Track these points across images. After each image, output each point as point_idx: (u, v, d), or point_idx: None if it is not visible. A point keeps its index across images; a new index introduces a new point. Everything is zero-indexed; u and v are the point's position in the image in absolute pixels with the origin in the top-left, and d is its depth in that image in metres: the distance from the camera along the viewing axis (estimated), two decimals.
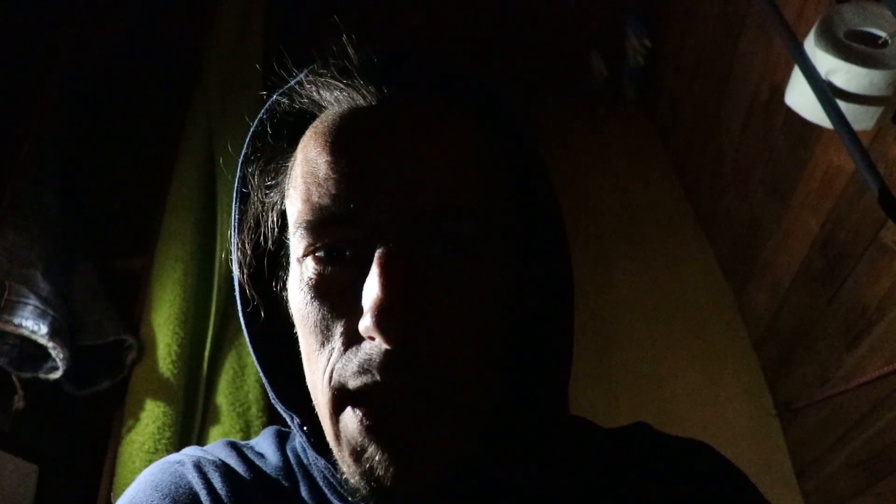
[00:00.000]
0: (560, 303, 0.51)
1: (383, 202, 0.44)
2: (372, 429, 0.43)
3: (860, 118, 1.02)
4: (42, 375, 1.19)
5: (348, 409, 0.44)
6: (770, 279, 1.67)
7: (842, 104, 0.99)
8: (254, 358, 0.53)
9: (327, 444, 0.49)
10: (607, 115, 2.36)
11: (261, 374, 0.53)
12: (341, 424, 0.45)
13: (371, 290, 0.42)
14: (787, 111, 1.17)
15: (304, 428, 0.51)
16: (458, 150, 0.46)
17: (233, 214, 0.53)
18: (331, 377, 0.45)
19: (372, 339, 0.42)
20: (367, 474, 0.44)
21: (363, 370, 0.43)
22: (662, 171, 2.23)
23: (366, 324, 0.41)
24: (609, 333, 1.87)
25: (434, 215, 0.44)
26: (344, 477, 0.46)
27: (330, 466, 0.50)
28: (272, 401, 0.53)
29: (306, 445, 0.52)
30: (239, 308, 0.53)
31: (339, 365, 0.44)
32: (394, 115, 0.46)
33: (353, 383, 0.44)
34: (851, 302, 1.31)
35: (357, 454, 0.44)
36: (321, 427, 0.49)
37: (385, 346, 0.42)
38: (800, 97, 1.11)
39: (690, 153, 2.09)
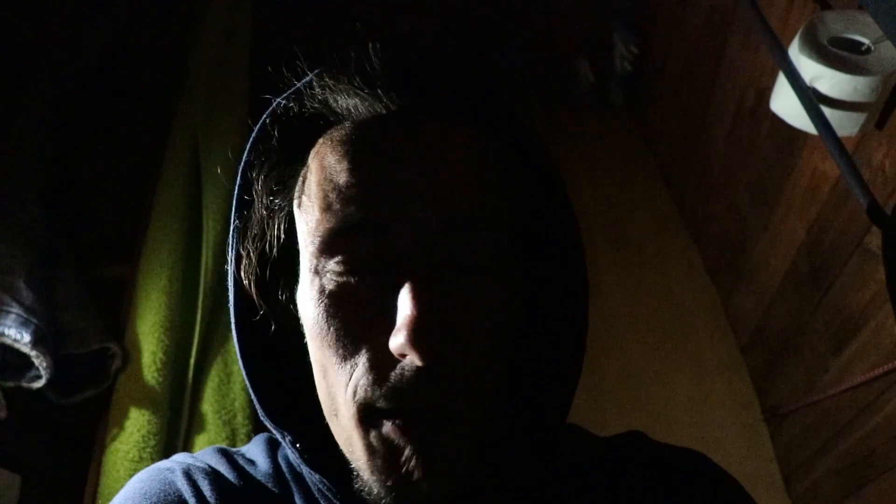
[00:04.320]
0: (574, 314, 0.52)
1: (409, 210, 0.43)
2: (409, 434, 0.43)
3: (844, 124, 1.03)
4: (25, 384, 1.17)
5: (383, 420, 0.44)
6: (757, 284, 1.68)
7: (826, 110, 1.00)
8: (244, 375, 0.52)
9: (322, 460, 0.49)
10: (594, 121, 2.37)
11: (250, 391, 0.52)
12: (372, 435, 0.44)
13: (405, 307, 0.42)
14: (773, 117, 1.17)
15: (297, 445, 0.50)
16: (479, 161, 0.46)
17: (232, 223, 0.52)
18: (354, 392, 0.44)
19: (403, 356, 0.42)
20: (403, 478, 0.43)
21: (398, 392, 0.43)
22: (649, 176, 2.24)
23: (399, 341, 0.41)
24: (597, 339, 1.85)
25: (457, 225, 0.44)
26: (368, 487, 0.46)
27: (325, 481, 0.50)
28: (261, 418, 0.52)
29: (300, 462, 0.51)
30: (232, 321, 0.52)
31: (363, 381, 0.44)
32: (415, 126, 0.46)
33: (385, 404, 0.44)
34: (837, 307, 1.32)
35: (392, 458, 0.44)
36: (315, 443, 0.49)
37: (418, 363, 0.42)
38: (785, 103, 1.11)
39: (677, 159, 2.10)
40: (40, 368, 1.15)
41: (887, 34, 0.87)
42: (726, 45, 1.62)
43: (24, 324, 1.14)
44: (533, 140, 0.51)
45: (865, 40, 1.01)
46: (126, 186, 1.64)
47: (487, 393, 0.46)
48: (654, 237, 2.09)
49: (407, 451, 0.43)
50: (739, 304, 1.82)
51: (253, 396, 0.52)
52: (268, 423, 0.52)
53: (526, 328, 0.50)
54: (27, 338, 1.12)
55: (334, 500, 0.50)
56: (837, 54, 1.00)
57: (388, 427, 0.44)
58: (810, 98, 1.00)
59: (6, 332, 1.12)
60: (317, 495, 0.53)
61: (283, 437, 0.51)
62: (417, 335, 0.41)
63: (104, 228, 1.58)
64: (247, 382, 0.52)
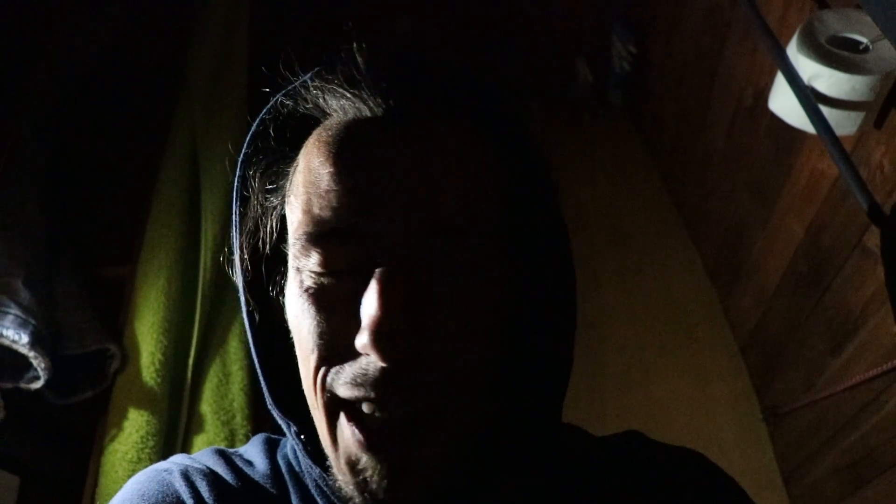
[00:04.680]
0: (562, 316, 0.51)
1: (386, 218, 0.43)
2: (367, 441, 0.43)
3: (843, 123, 1.03)
4: (23, 385, 1.17)
5: (343, 420, 0.45)
6: (756, 284, 1.68)
7: (824, 109, 1.00)
8: (256, 363, 0.52)
9: (323, 453, 0.49)
10: (593, 121, 2.37)
11: (261, 380, 0.52)
12: (337, 432, 0.45)
13: (369, 307, 0.42)
14: (772, 116, 1.17)
15: (301, 436, 0.50)
16: (464, 166, 0.46)
17: (234, 216, 0.53)
18: (323, 382, 0.45)
19: (368, 355, 0.42)
20: (362, 485, 0.44)
21: (356, 383, 0.43)
22: (648, 176, 2.24)
23: (363, 341, 0.41)
24: (596, 339, 1.87)
25: (436, 234, 0.44)
26: (338, 485, 0.46)
27: (324, 475, 0.50)
28: (269, 407, 0.52)
29: (301, 453, 0.51)
30: (244, 312, 0.53)
31: (332, 371, 0.44)
32: (400, 129, 0.45)
33: (344, 392, 0.44)
34: (836, 306, 1.32)
35: (352, 464, 0.44)
36: (317, 436, 0.49)
37: (380, 364, 0.42)
38: (783, 102, 1.11)
39: (676, 158, 2.10)
40: (39, 369, 1.15)
41: (885, 33, 0.87)
42: (724, 44, 1.62)
43: (23, 325, 1.14)
44: (524, 140, 0.51)
45: (864, 39, 1.01)
46: (125, 187, 1.64)
47: (464, 394, 0.45)
48: (652, 237, 2.09)
49: (364, 461, 0.44)
50: (738, 303, 1.82)
51: (263, 385, 0.52)
52: (274, 412, 0.52)
53: (515, 329, 0.50)
54: (25, 339, 1.12)
55: (332, 497, 0.50)
56: (836, 53, 1.00)
57: (347, 431, 0.44)
58: (809, 97, 1.00)
59: (4, 332, 1.11)
60: (314, 493, 0.53)
61: (289, 428, 0.51)
62: (379, 336, 0.41)
63: (103, 229, 1.57)
64: (258, 370, 0.52)
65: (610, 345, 1.87)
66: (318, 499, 0.53)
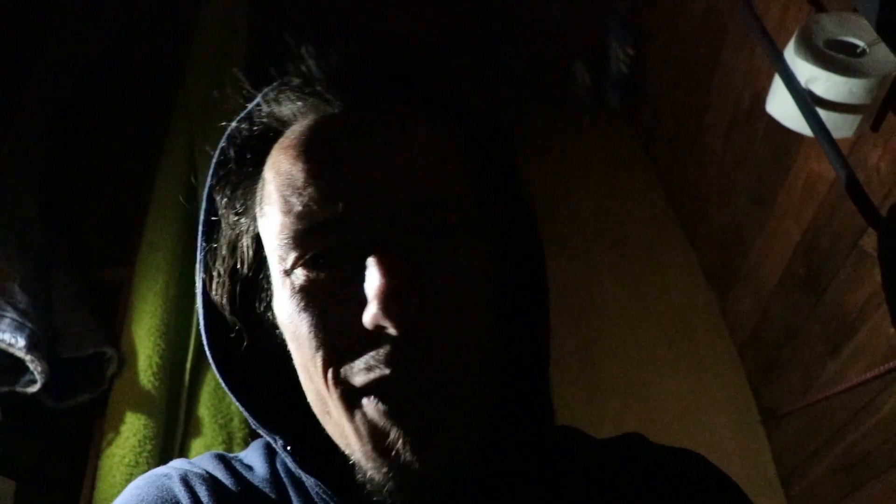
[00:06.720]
0: (534, 290, 0.52)
1: (368, 203, 0.44)
2: (391, 413, 0.43)
3: (840, 126, 1.03)
4: (20, 389, 1.16)
5: (363, 400, 0.44)
6: (753, 286, 1.68)
7: (822, 112, 1.00)
8: (226, 388, 0.52)
9: (316, 461, 0.49)
10: (591, 124, 2.37)
11: (236, 402, 0.52)
12: (357, 418, 0.45)
13: (373, 280, 0.42)
14: (769, 119, 1.17)
15: (289, 448, 0.50)
16: (430, 145, 0.47)
17: (198, 250, 0.53)
18: (335, 377, 0.45)
19: (378, 328, 0.42)
20: (394, 461, 0.43)
21: (369, 367, 0.43)
22: (646, 178, 2.24)
23: (371, 312, 0.41)
24: (594, 341, 1.87)
25: (418, 207, 0.44)
26: (369, 478, 0.46)
27: (320, 483, 0.50)
28: (253, 426, 0.52)
29: (293, 465, 0.51)
30: (205, 341, 0.53)
31: (341, 364, 0.44)
32: (363, 118, 0.46)
33: (359, 380, 0.44)
34: (833, 308, 1.32)
35: (380, 442, 0.44)
36: (307, 444, 0.49)
37: (392, 332, 0.42)
38: (781, 105, 1.12)
39: (674, 161, 2.10)
40: (35, 373, 1.14)
41: (882, 37, 0.87)
42: (722, 46, 1.62)
43: (19, 328, 1.13)
44: (481, 121, 0.52)
45: (860, 43, 1.01)
46: (123, 189, 1.63)
47: (473, 359, 0.45)
48: (650, 239, 2.09)
49: (392, 433, 0.43)
50: (736, 305, 1.82)
51: (240, 406, 0.52)
52: (260, 431, 0.52)
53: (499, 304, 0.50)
54: (22, 342, 1.12)
55: (331, 502, 0.50)
56: (833, 56, 1.01)
57: (369, 407, 0.44)
58: (806, 100, 1.01)
59: (1, 336, 1.11)
60: (315, 500, 0.52)
61: (276, 442, 0.51)
62: (389, 303, 0.41)
63: (101, 232, 1.57)
64: (234, 399, 0.52)
65: (607, 347, 1.87)
66: (318, 503, 0.53)
